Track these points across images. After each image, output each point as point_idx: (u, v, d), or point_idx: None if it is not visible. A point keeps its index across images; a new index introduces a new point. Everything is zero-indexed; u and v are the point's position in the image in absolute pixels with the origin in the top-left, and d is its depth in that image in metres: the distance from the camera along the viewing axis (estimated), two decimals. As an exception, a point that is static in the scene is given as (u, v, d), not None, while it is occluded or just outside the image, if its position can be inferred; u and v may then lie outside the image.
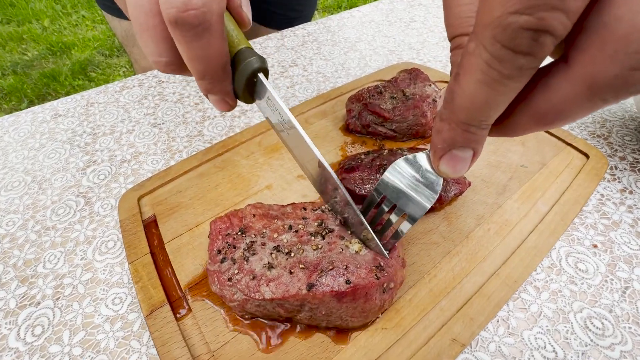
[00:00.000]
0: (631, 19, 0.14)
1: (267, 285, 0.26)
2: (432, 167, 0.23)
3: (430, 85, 0.45)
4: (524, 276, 0.31)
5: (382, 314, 0.29)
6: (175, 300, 0.30)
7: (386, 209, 0.27)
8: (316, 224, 0.30)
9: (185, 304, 0.30)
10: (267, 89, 0.29)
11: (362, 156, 0.38)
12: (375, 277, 0.26)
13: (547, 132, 0.45)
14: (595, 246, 0.36)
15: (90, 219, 0.40)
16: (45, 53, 3.52)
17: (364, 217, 0.28)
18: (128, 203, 0.38)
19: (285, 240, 0.29)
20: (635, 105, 0.52)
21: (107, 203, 0.42)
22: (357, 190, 0.34)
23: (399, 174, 0.26)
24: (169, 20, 0.24)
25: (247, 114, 0.54)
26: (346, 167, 0.37)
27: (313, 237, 0.29)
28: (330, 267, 0.26)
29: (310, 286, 0.26)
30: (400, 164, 0.26)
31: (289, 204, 0.33)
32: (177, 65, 0.27)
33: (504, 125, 0.20)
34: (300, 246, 0.29)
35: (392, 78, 0.48)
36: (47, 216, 0.40)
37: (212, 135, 0.51)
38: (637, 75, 0.15)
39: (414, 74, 0.47)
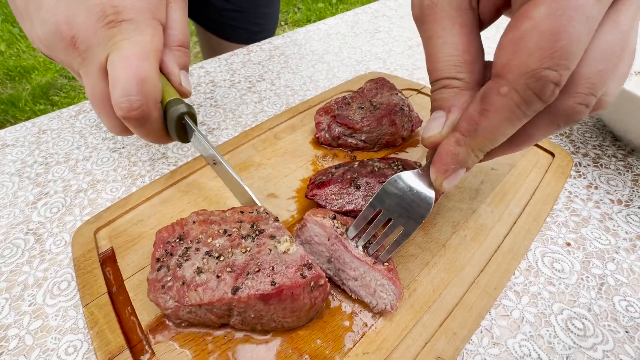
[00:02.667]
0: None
1: (196, 290, 0.26)
2: (425, 184, 0.27)
3: (397, 93, 0.45)
4: (504, 282, 0.31)
5: (316, 312, 0.28)
6: (136, 344, 0.27)
7: (381, 222, 0.28)
8: (249, 226, 0.29)
9: (147, 348, 0.27)
10: (193, 130, 0.35)
11: (333, 170, 0.37)
12: (301, 276, 0.25)
13: (513, 133, 0.46)
14: (568, 244, 0.36)
15: (40, 258, 0.36)
16: (2, 78, 3.36)
17: (358, 231, 0.29)
18: (83, 237, 0.35)
19: (217, 245, 0.28)
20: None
21: (61, 239, 0.38)
22: (328, 207, 0.33)
23: (395, 190, 0.28)
24: (119, 116, 0.32)
25: (214, 133, 0.52)
26: (317, 183, 0.35)
27: (244, 240, 0.28)
28: (257, 269, 0.25)
29: (235, 289, 0.25)
30: (393, 182, 0.28)
31: (229, 209, 0.32)
32: (128, 132, 0.36)
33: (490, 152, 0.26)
34: (230, 250, 0.28)
35: (359, 88, 0.47)
36: (-10, 259, 0.36)
37: (177, 157, 0.48)
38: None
39: (380, 83, 0.47)
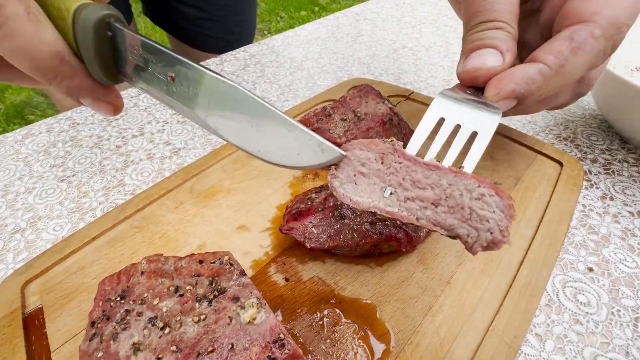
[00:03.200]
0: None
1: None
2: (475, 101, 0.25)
3: (384, 102, 0.40)
4: (524, 327, 0.25)
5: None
6: None
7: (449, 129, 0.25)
8: (208, 282, 0.23)
9: None
10: (137, 38, 0.23)
11: (313, 195, 0.31)
12: (268, 358, 0.19)
13: (516, 141, 0.41)
14: (590, 270, 0.31)
15: (-45, 323, 0.29)
16: None
17: (420, 146, 0.25)
18: (7, 294, 0.28)
19: (165, 309, 0.22)
20: (594, 103, 0.50)
21: (-16, 295, 0.31)
22: (307, 245, 0.27)
23: (454, 95, 0.26)
24: None
25: (180, 153, 0.46)
26: (294, 213, 0.30)
27: (198, 304, 0.22)
28: (211, 349, 0.19)
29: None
30: (446, 96, 0.26)
31: (187, 256, 0.25)
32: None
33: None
34: (180, 317, 0.21)
35: (342, 97, 0.42)
36: None
37: (136, 184, 0.42)
38: None
39: (364, 90, 0.41)
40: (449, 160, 0.24)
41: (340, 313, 0.26)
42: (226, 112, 0.23)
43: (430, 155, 0.24)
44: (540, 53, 0.25)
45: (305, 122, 0.40)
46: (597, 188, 0.38)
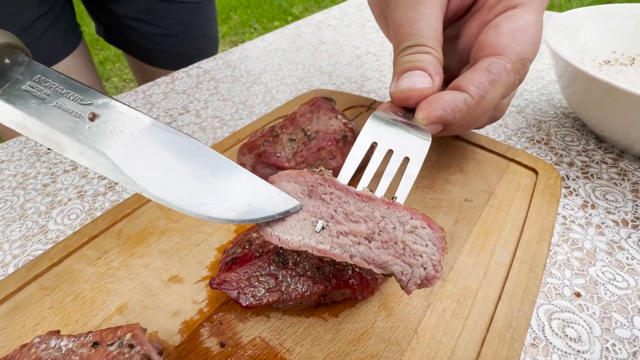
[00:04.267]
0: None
1: None
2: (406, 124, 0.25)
3: (336, 116, 0.36)
4: (506, 383, 0.21)
5: None
6: None
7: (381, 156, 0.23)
8: None
9: None
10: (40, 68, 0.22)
11: (254, 234, 0.27)
12: None
13: (486, 149, 0.38)
14: (578, 295, 0.27)
15: None
16: None
17: (354, 175, 0.23)
18: None
19: None
20: (565, 100, 0.48)
21: None
22: (243, 302, 0.22)
23: (386, 117, 0.25)
24: None
25: (116, 188, 0.40)
26: (228, 262, 0.25)
27: None
28: None
29: None
30: (378, 118, 0.25)
31: (83, 334, 0.20)
32: None
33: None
34: None
35: (291, 114, 0.37)
36: None
37: (61, 229, 0.36)
38: None
39: (315, 105, 0.37)
40: (382, 189, 0.22)
41: (286, 386, 0.21)
42: (154, 159, 0.20)
43: (363, 184, 0.22)
44: (464, 83, 0.26)
45: (250, 145, 0.35)
46: (577, 195, 0.35)
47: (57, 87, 0.23)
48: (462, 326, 0.23)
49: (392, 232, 0.18)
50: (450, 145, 0.39)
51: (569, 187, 0.36)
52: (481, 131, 0.43)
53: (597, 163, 0.39)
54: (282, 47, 0.72)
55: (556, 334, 0.25)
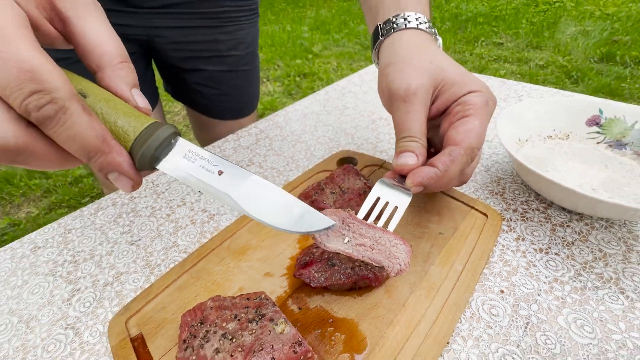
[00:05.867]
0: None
1: (214, 366, 0.34)
2: (399, 187, 0.43)
3: (360, 178, 0.57)
4: (450, 331, 0.40)
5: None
6: (171, 416, 0.35)
7: (382, 204, 0.43)
8: (254, 311, 0.38)
9: (180, 418, 0.35)
10: (190, 146, 0.34)
11: (314, 250, 0.47)
12: (293, 352, 0.34)
13: (456, 199, 0.58)
14: (502, 292, 0.46)
15: (81, 350, 0.44)
16: None
17: (366, 214, 0.43)
18: (116, 328, 0.43)
19: (230, 328, 0.37)
20: (514, 168, 0.68)
21: (96, 330, 0.46)
22: (312, 284, 0.43)
23: (386, 183, 0.44)
24: (21, 111, 0.24)
25: (215, 219, 0.63)
26: (302, 263, 0.45)
27: (250, 324, 0.37)
28: (260, 348, 0.34)
29: (244, 365, 0.33)
30: (383, 181, 0.44)
31: (238, 295, 0.41)
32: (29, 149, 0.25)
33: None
34: (240, 332, 0.36)
35: (330, 175, 0.59)
36: (38, 355, 0.44)
37: (186, 244, 0.58)
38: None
39: (346, 169, 0.59)
40: (380, 222, 0.42)
41: (335, 328, 0.41)
42: (256, 198, 0.35)
43: (371, 219, 0.42)
44: (435, 161, 0.41)
45: (305, 194, 0.57)
46: (514, 231, 0.54)
47: (198, 154, 0.34)
48: (430, 303, 0.43)
49: (384, 245, 0.38)
50: (433, 196, 0.59)
51: (510, 226, 0.55)
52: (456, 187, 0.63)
53: (532, 210, 0.58)
54: (316, 111, 0.96)
55: (485, 311, 0.44)
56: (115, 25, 0.33)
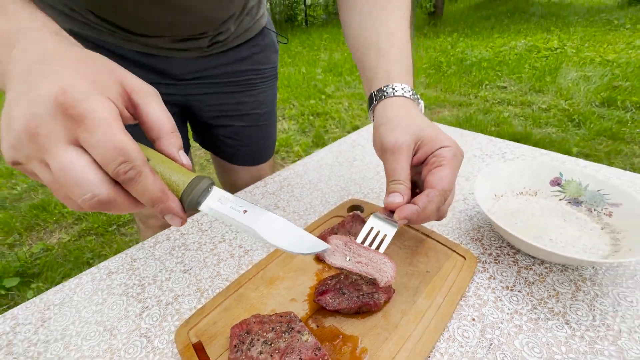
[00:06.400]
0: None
1: (258, 363, 0.48)
2: (388, 219, 0.57)
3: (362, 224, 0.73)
4: (431, 348, 0.54)
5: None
6: (226, 399, 0.49)
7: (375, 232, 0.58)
8: (286, 325, 0.53)
9: (232, 401, 0.49)
10: (223, 193, 0.44)
11: (329, 281, 0.63)
12: (314, 354, 0.48)
13: (442, 243, 0.73)
14: (473, 320, 0.59)
15: (153, 353, 0.59)
16: (35, 185, 3.67)
17: (363, 239, 0.57)
18: (181, 337, 0.59)
19: (269, 337, 0.52)
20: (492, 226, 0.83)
21: (163, 338, 0.61)
22: (327, 308, 0.58)
23: (379, 217, 0.58)
24: (114, 174, 0.34)
25: (249, 253, 0.79)
26: (319, 291, 0.60)
27: (283, 334, 0.52)
28: (292, 351, 0.49)
29: (279, 363, 0.48)
30: (376, 215, 0.58)
31: (272, 314, 0.56)
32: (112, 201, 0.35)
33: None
34: (276, 340, 0.51)
35: (342, 221, 0.75)
36: (122, 356, 0.59)
37: (227, 273, 0.74)
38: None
39: (355, 217, 0.75)
40: (373, 246, 0.57)
41: (343, 342, 0.55)
42: (275, 232, 0.47)
43: (366, 243, 0.57)
44: (416, 200, 0.52)
45: (322, 237, 0.73)
46: (487, 272, 0.68)
47: (228, 198, 0.44)
48: (416, 326, 0.57)
49: (376, 262, 0.53)
50: (423, 241, 0.74)
51: (484, 267, 0.69)
52: (446, 231, 0.78)
53: (504, 255, 0.72)
54: (330, 162, 1.14)
55: (459, 334, 0.57)
56: (161, 95, 0.43)
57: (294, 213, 0.91)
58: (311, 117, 4.62)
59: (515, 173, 0.84)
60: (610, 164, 3.03)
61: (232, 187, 1.36)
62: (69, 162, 0.33)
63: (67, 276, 2.34)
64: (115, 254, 0.96)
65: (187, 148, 1.22)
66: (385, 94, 0.61)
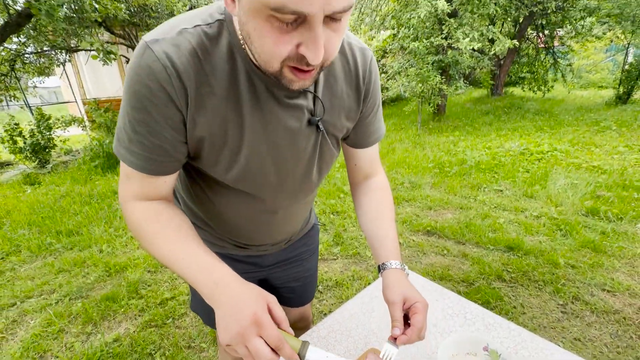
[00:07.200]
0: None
1: None
2: (394, 343, 1.01)
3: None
4: None
5: None
6: None
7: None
8: None
9: None
10: (317, 349, 0.83)
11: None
12: None
13: None
14: None
15: None
16: (103, 275, 4.32)
17: (382, 356, 0.99)
18: None
19: None
20: None
21: None
22: None
23: (388, 343, 1.01)
24: (275, 348, 0.77)
25: (315, 386, 1.39)
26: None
27: None
28: None
29: None
30: (388, 341, 1.01)
31: None
32: None
33: None
34: None
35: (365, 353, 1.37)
36: None
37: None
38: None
39: (371, 350, 1.37)
40: None
41: None
42: None
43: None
44: (407, 332, 0.95)
45: (357, 380, 1.33)
46: None
47: (321, 352, 0.84)
48: None
49: None
50: (413, 385, 1.33)
51: (446, 405, 1.27)
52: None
53: (458, 397, 1.30)
54: (357, 313, 1.77)
55: None
56: (252, 277, 1.22)
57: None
58: (332, 216, 5.33)
59: (463, 342, 1.46)
60: (592, 279, 3.48)
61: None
62: (260, 344, 0.72)
63: (135, 367, 2.86)
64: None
65: None
66: (385, 267, 1.07)
